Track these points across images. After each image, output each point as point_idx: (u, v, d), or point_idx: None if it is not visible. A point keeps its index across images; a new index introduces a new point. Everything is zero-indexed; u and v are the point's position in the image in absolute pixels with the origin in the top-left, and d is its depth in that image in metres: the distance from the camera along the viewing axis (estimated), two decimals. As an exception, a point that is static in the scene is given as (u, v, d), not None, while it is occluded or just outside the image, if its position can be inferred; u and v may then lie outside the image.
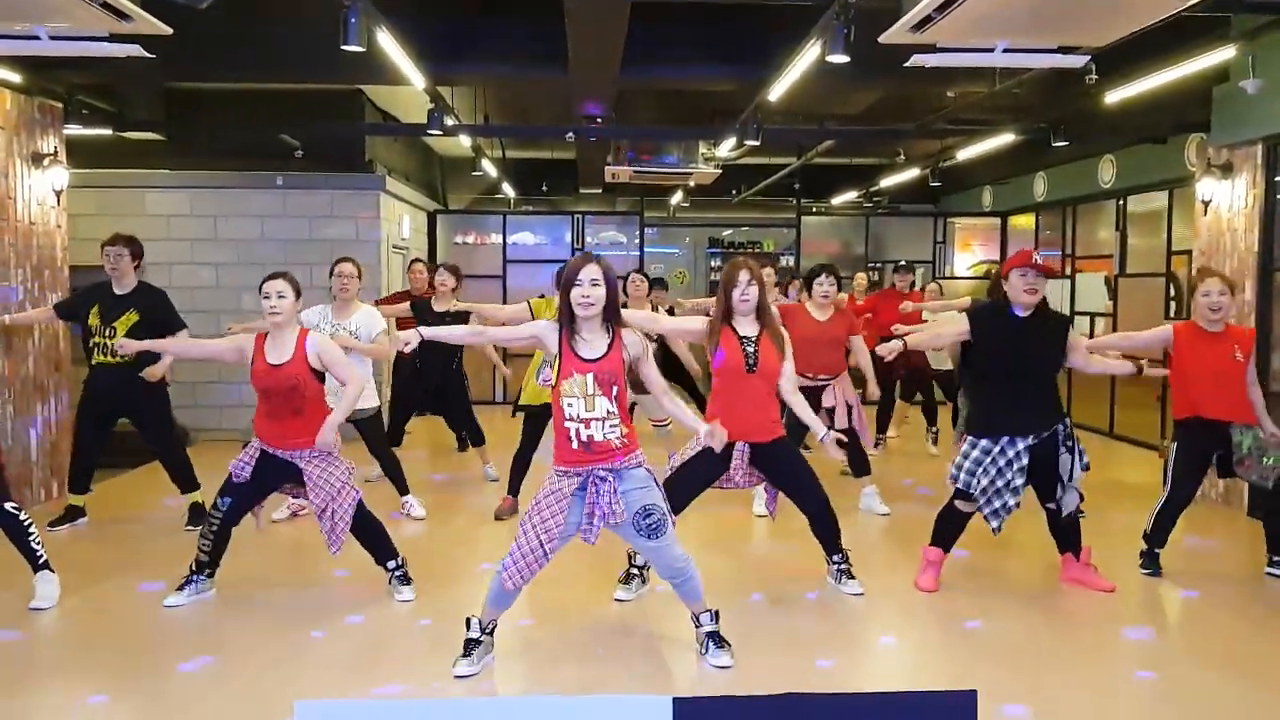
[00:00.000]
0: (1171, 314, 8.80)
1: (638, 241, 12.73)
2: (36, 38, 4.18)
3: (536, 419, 5.98)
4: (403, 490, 6.23)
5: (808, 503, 4.61)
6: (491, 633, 3.83)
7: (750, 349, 4.38)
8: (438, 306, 6.73)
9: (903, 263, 8.87)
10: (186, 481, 5.91)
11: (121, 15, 3.92)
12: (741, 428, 4.36)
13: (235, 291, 9.18)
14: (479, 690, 3.66)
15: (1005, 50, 4.31)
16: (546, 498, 3.66)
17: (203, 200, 9.26)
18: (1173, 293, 8.89)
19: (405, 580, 4.60)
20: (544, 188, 14.15)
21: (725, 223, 14.37)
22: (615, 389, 3.61)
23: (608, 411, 3.60)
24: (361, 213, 9.41)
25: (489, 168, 10.76)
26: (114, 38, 4.25)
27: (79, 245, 7.64)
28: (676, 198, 13.93)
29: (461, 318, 6.63)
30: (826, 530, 4.67)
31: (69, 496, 5.93)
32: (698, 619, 3.89)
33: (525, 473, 6.13)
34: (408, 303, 7.00)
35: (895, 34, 4.19)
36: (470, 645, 3.77)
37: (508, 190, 13.51)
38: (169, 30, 4.18)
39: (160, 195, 9.24)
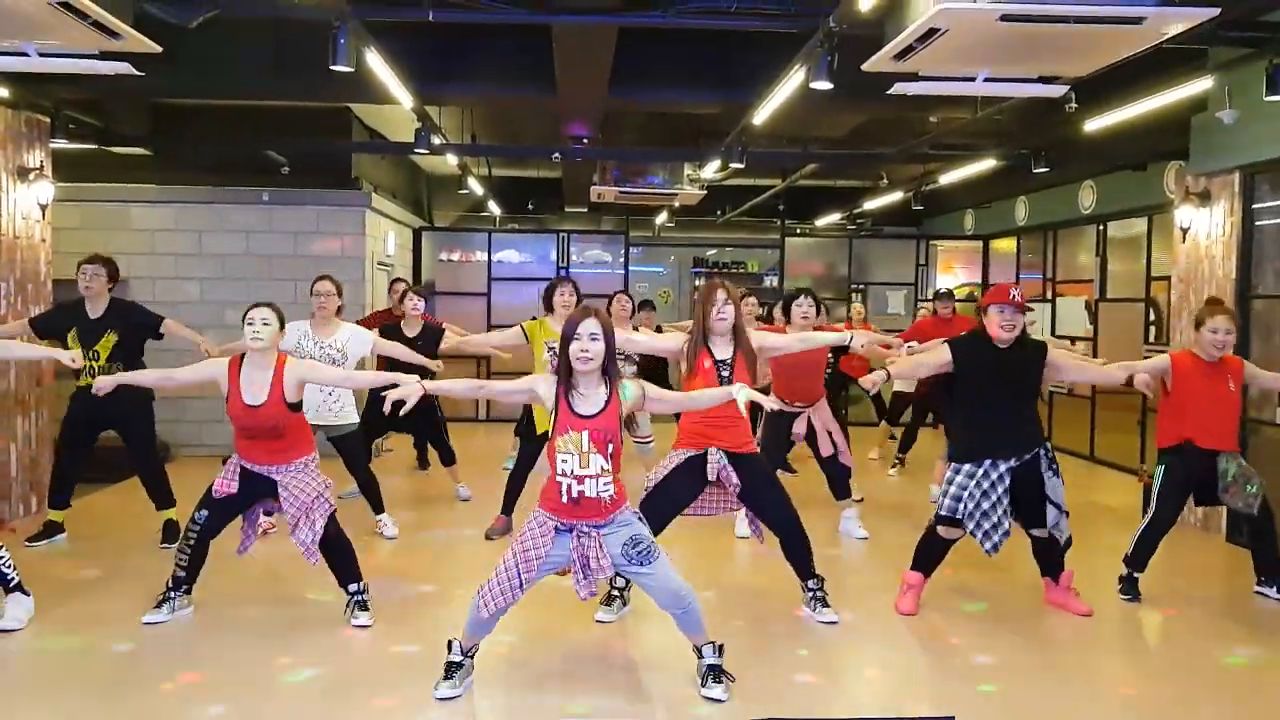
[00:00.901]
0: (1151, 338, 8.89)
1: (622, 260, 12.76)
2: (25, 54, 4.19)
3: (536, 442, 5.92)
4: (378, 509, 6.20)
5: (778, 524, 4.63)
6: (472, 655, 3.83)
7: (725, 373, 4.46)
8: (408, 331, 6.75)
9: (943, 290, 8.74)
10: (163, 498, 5.88)
11: (111, 33, 3.94)
12: (713, 435, 4.48)
13: (219, 307, 9.15)
14: (459, 712, 3.65)
15: (986, 79, 4.38)
16: (531, 530, 3.68)
17: (188, 215, 9.23)
18: (1152, 317, 8.98)
19: (364, 607, 4.55)
20: (530, 206, 14.18)
21: (710, 243, 14.45)
22: (611, 446, 3.62)
23: (601, 469, 3.60)
24: (347, 229, 9.40)
25: (475, 186, 10.79)
26: (103, 55, 4.26)
27: (63, 259, 7.58)
28: (661, 217, 14.00)
29: (432, 343, 6.66)
30: (798, 552, 4.67)
31: (48, 512, 5.89)
32: (699, 650, 3.82)
33: (520, 492, 6.10)
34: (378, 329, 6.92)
35: (878, 63, 4.25)
36: (451, 668, 3.77)
37: (493, 208, 13.53)
38: (158, 49, 4.20)
39: (145, 210, 9.20)
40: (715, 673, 3.77)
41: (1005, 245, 12.18)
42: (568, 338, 3.62)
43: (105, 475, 7.05)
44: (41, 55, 4.19)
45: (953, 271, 13.11)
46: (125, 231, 9.14)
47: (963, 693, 3.89)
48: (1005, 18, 3.56)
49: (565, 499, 3.61)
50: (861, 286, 12.78)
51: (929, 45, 3.91)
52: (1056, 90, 4.56)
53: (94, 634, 4.36)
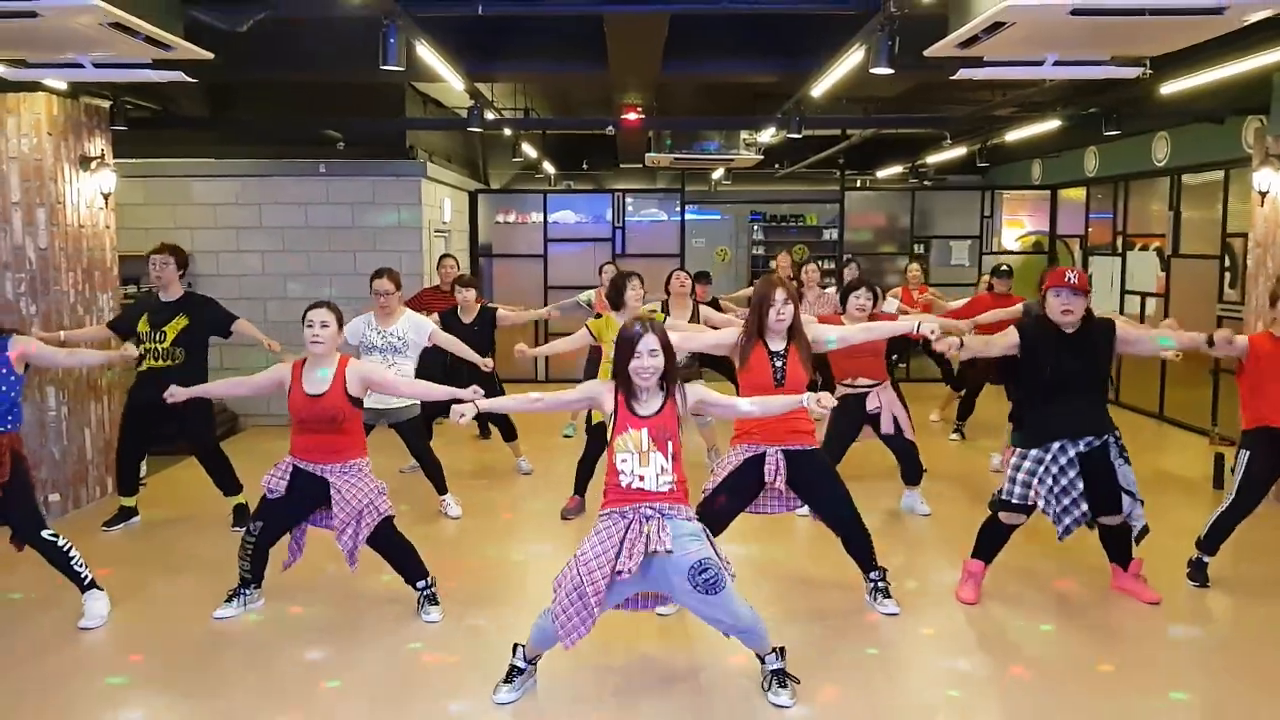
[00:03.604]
0: (1226, 290, 8.55)
1: (678, 213, 12.51)
2: (80, 65, 4.22)
3: (604, 431, 5.91)
4: (441, 490, 6.29)
5: (837, 522, 4.62)
6: (535, 662, 3.87)
7: (779, 364, 4.40)
8: (464, 318, 6.87)
9: (1004, 267, 8.52)
10: (228, 485, 5.99)
11: (163, 45, 3.94)
12: (770, 433, 4.43)
13: (281, 279, 9.30)
14: (520, 714, 3.72)
15: (1056, 63, 4.19)
16: (592, 545, 3.57)
17: (247, 188, 9.34)
18: (1228, 263, 8.59)
19: (433, 600, 4.61)
20: (584, 165, 14.04)
21: (767, 198, 14.20)
22: (670, 445, 3.60)
23: (661, 468, 3.59)
24: (403, 199, 9.43)
25: (529, 150, 10.72)
26: (156, 63, 4.27)
27: (128, 234, 7.76)
28: (718, 174, 13.78)
29: (488, 325, 6.81)
30: (859, 548, 4.66)
31: (120, 499, 6.07)
32: (762, 658, 3.82)
33: (591, 474, 6.13)
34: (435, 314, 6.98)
35: (941, 49, 4.09)
36: (513, 672, 3.82)
37: (548, 168, 13.43)
38: (210, 56, 4.19)
39: (206, 184, 9.33)
40: (780, 677, 3.77)
41: (1074, 194, 11.80)
42: (627, 355, 3.59)
43: (179, 448, 7.16)
44: (96, 66, 4.22)
45: (1019, 220, 12.73)
46: (188, 205, 9.29)
47: (1021, 698, 3.86)
48: (1076, 11, 3.39)
49: (625, 487, 3.59)
50: (924, 240, 12.48)
51: (996, 35, 3.74)
52: (1130, 72, 4.35)
53: (166, 626, 4.50)
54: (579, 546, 3.64)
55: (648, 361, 3.57)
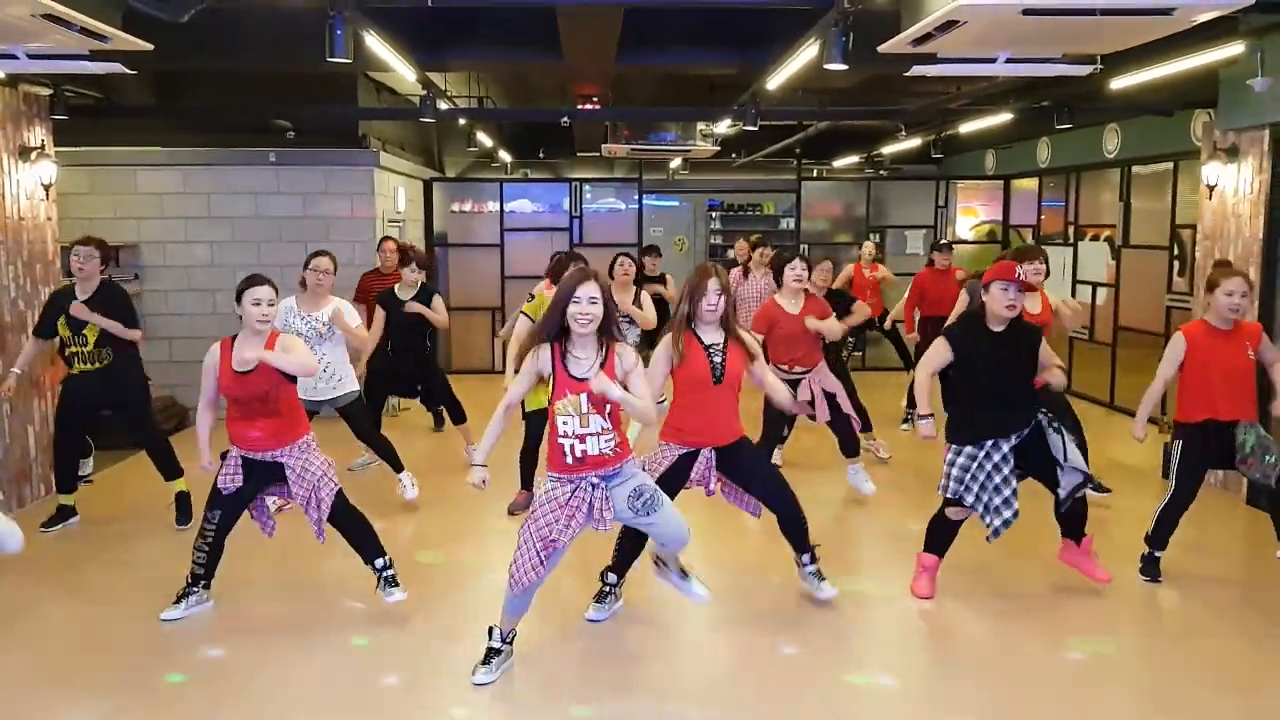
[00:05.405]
0: (1174, 278, 8.67)
1: (636, 201, 12.42)
2: (14, 56, 4.08)
3: (541, 417, 5.84)
4: (397, 468, 6.20)
5: (773, 501, 4.54)
6: (511, 641, 3.94)
7: (717, 359, 4.27)
8: (403, 295, 6.71)
9: (944, 241, 8.54)
10: (169, 469, 5.87)
11: (99, 37, 3.82)
12: (705, 435, 4.34)
13: (230, 269, 9.07)
14: (497, 695, 3.78)
15: (1008, 60, 4.20)
16: (542, 505, 3.75)
17: (195, 177, 9.13)
18: (1176, 251, 8.72)
19: (393, 582, 4.52)
20: (541, 154, 13.90)
21: (724, 187, 14.18)
22: (609, 406, 3.66)
23: (602, 428, 3.67)
24: (356, 189, 9.27)
25: (484, 139, 10.59)
26: (94, 54, 4.15)
27: (71, 224, 7.55)
28: (676, 163, 13.72)
29: (426, 299, 6.68)
30: (794, 528, 4.59)
31: (59, 497, 5.91)
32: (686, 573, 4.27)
33: (535, 466, 6.08)
34: (373, 297, 6.85)
35: (895, 46, 4.09)
36: (490, 654, 3.88)
37: (504, 156, 13.28)
38: (149, 47, 4.07)
39: (152, 173, 9.10)
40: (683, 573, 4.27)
41: (1027, 184, 11.93)
42: (566, 299, 3.63)
43: (118, 443, 6.98)
44: (31, 57, 4.09)
45: (973, 209, 12.86)
46: (133, 195, 9.07)
47: (977, 691, 3.89)
48: (1029, 11, 3.40)
49: (570, 459, 3.70)
50: (880, 229, 12.54)
51: (949, 33, 3.74)
52: (1082, 69, 4.37)
53: (110, 631, 4.39)
54: (530, 509, 3.80)
55: (586, 308, 3.61)
